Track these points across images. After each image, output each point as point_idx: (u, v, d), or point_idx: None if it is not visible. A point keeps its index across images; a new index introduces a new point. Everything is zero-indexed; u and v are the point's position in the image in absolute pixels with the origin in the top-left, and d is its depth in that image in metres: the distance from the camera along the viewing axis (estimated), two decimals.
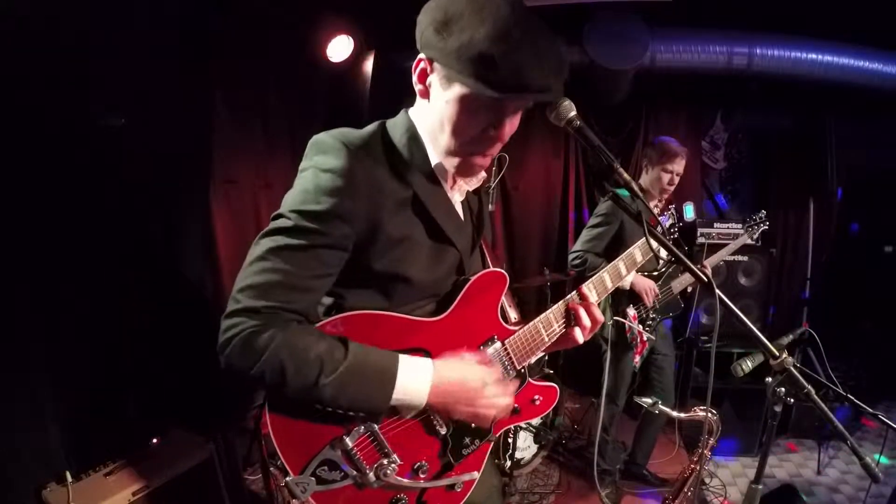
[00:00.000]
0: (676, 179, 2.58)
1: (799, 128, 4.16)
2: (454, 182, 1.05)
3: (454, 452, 1.06)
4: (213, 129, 2.73)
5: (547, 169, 4.29)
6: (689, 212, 2.84)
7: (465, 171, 1.01)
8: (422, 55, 0.93)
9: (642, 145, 4.04)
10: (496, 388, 0.99)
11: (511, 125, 0.95)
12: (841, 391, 1.17)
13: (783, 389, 0.98)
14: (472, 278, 1.06)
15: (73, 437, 2.06)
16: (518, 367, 1.13)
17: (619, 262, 1.33)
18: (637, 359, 2.63)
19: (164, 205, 2.51)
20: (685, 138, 3.97)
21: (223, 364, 0.86)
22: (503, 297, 1.12)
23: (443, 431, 1.04)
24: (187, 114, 2.56)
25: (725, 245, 2.88)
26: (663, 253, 1.07)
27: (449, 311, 1.03)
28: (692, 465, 2.17)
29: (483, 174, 1.07)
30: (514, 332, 1.11)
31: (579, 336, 1.13)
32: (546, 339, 1.13)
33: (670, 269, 2.66)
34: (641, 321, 2.59)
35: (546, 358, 2.86)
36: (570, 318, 1.13)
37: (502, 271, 1.10)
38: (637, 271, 2.50)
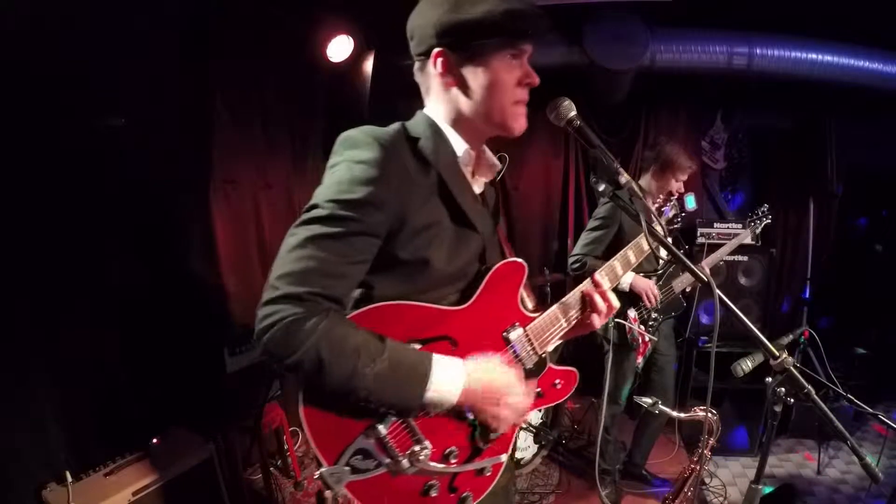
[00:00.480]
0: (682, 188, 2.62)
1: (799, 128, 4.14)
2: (473, 175, 1.12)
3: (483, 437, 1.08)
4: (213, 129, 2.72)
5: (547, 169, 4.28)
6: (691, 202, 2.85)
7: (513, 119, 1.06)
8: (437, 49, 0.99)
9: (642, 146, 4.03)
10: (518, 390, 1.02)
11: None
12: (841, 391, 1.17)
13: (783, 389, 0.98)
14: (494, 267, 1.09)
15: (73, 437, 2.07)
16: (539, 353, 1.16)
17: (628, 251, 1.38)
18: (640, 359, 2.63)
19: (164, 205, 2.51)
20: (685, 138, 3.98)
21: (261, 350, 0.87)
22: (521, 286, 1.15)
23: (471, 417, 1.06)
24: (187, 114, 2.56)
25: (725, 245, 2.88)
26: (663, 252, 1.09)
27: (473, 299, 1.05)
28: (692, 465, 2.17)
29: (497, 163, 1.16)
30: (534, 318, 1.14)
31: (596, 321, 1.18)
32: (564, 325, 1.18)
33: (670, 269, 2.65)
34: (643, 322, 2.59)
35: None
36: (586, 305, 1.19)
37: (521, 261, 1.13)
38: (636, 272, 2.50)
